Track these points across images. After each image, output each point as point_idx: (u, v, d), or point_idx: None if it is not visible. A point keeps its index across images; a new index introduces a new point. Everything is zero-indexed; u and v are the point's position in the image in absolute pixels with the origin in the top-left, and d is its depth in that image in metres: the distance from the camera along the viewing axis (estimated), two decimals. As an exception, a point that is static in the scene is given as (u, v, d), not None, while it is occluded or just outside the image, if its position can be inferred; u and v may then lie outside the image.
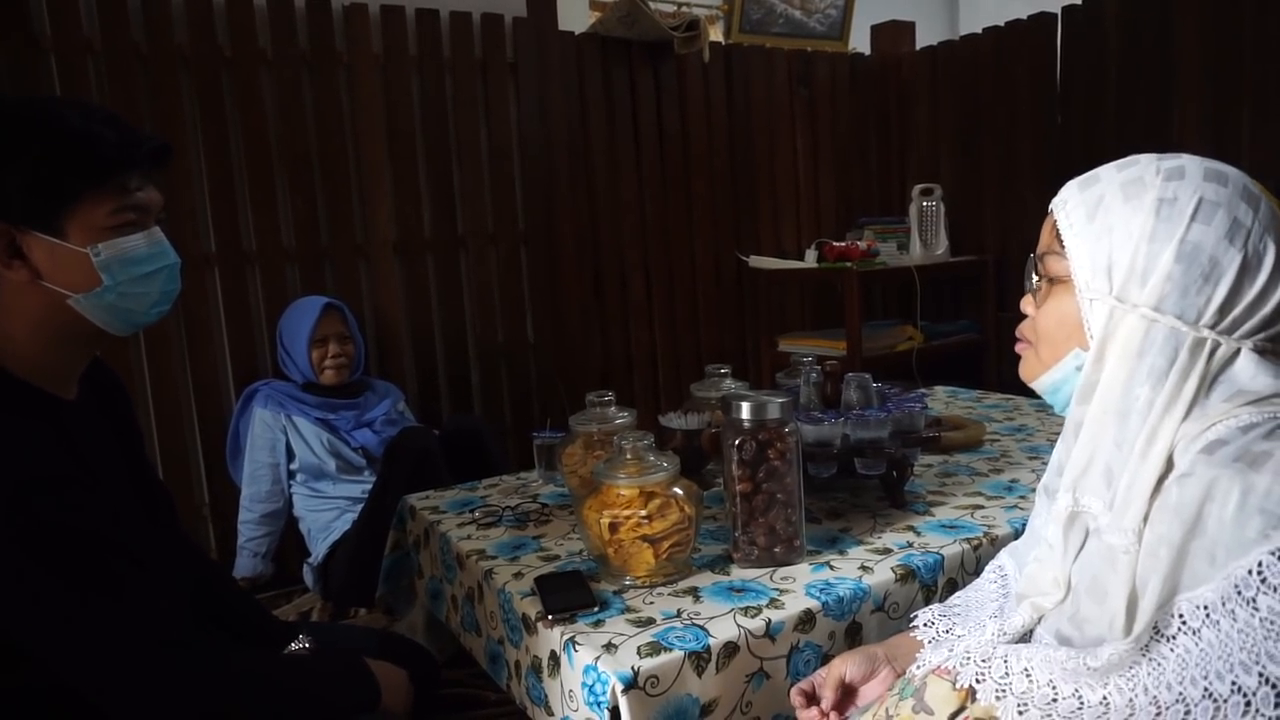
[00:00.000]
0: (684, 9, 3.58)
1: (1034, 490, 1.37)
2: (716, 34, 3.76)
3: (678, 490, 1.10)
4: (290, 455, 2.12)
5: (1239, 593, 0.59)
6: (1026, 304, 0.82)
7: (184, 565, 1.18)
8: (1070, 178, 0.77)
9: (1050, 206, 0.77)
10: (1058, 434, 0.79)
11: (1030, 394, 0.84)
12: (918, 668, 0.81)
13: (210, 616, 1.15)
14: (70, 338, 0.95)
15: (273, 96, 2.35)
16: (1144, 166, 0.72)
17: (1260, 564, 0.59)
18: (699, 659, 0.93)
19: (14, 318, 0.91)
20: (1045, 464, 0.92)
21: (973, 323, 3.26)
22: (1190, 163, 0.71)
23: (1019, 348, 0.84)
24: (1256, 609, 0.59)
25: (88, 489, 0.88)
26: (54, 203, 0.89)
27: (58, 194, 0.89)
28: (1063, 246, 0.75)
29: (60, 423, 0.93)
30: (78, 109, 0.92)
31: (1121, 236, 0.70)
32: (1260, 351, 0.69)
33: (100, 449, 1.00)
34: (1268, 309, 0.68)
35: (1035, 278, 0.81)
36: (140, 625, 0.86)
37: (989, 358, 3.23)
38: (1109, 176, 0.74)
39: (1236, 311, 0.68)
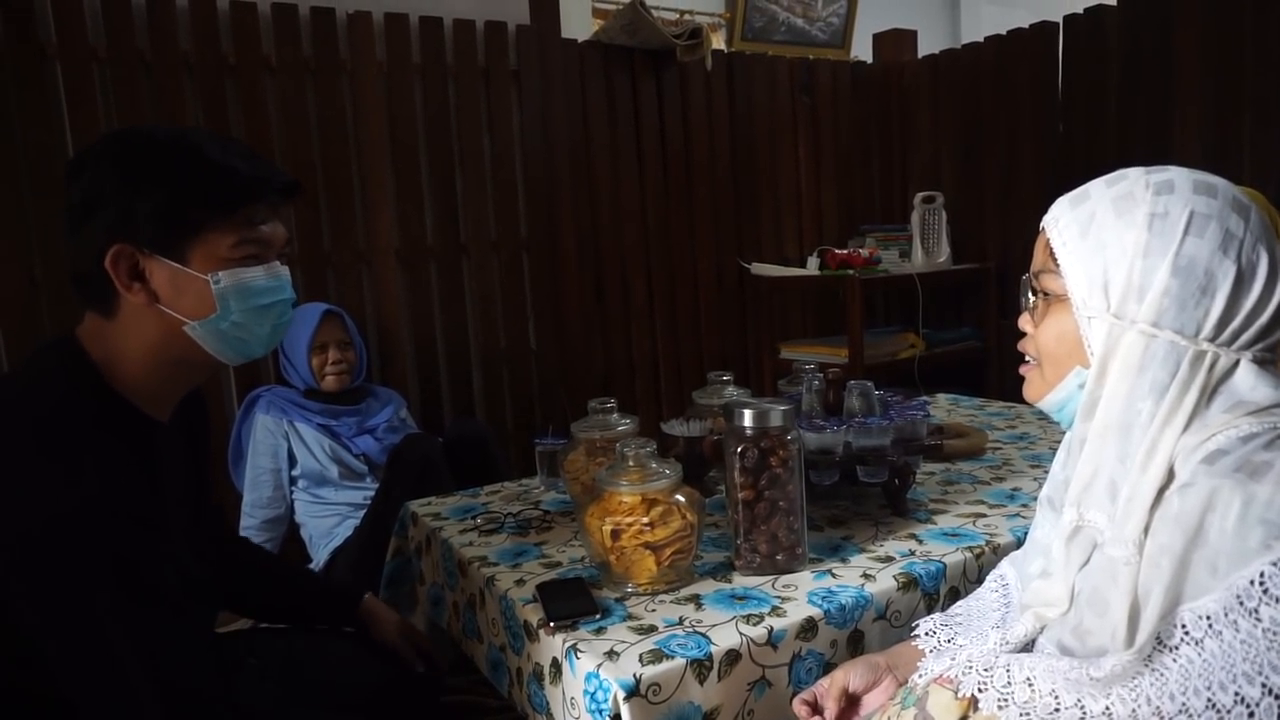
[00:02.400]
0: (686, 17, 3.59)
1: (1036, 499, 1.37)
2: (718, 42, 3.78)
3: (680, 497, 1.11)
4: (292, 461, 2.12)
5: (1241, 603, 0.59)
6: (1025, 322, 0.83)
7: (224, 582, 1.21)
8: (1072, 186, 0.78)
9: (1042, 224, 0.78)
10: (1059, 442, 0.79)
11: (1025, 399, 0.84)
12: (920, 677, 0.81)
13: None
14: (180, 363, 0.96)
15: (276, 104, 2.36)
16: (1133, 181, 0.72)
17: (1262, 574, 0.59)
18: (701, 667, 0.93)
19: (129, 339, 0.93)
20: (1047, 472, 0.92)
21: (974, 330, 3.26)
22: (1179, 175, 0.71)
23: (1023, 369, 0.84)
24: (1259, 619, 0.59)
25: (157, 526, 0.88)
26: (180, 230, 0.90)
27: (185, 222, 0.90)
28: (1057, 264, 0.75)
29: (150, 446, 0.94)
30: (216, 141, 0.94)
31: (1116, 253, 0.70)
32: (1259, 362, 0.69)
33: (177, 474, 1.02)
34: (1264, 318, 0.69)
35: (1031, 296, 0.81)
36: (157, 671, 0.85)
37: (991, 365, 3.23)
38: (1099, 193, 0.74)
39: (1235, 323, 0.68)
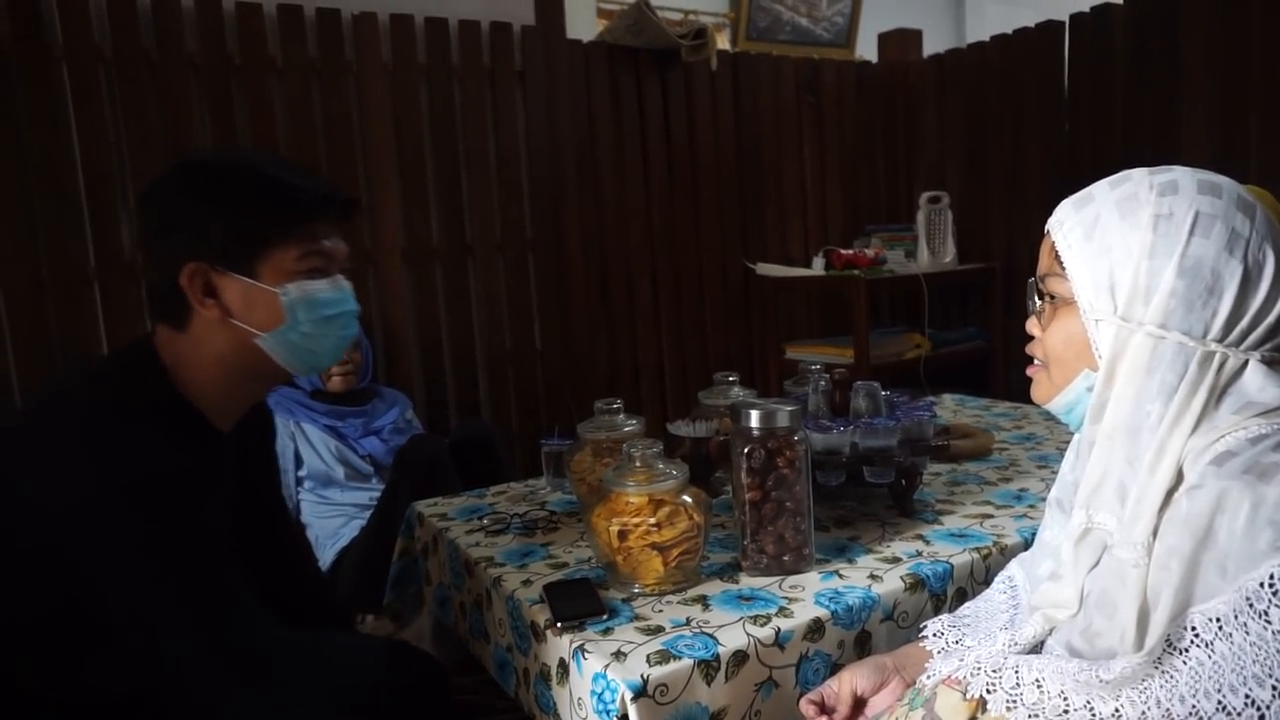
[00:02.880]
0: (691, 17, 3.59)
1: (1043, 499, 1.37)
2: (723, 42, 3.78)
3: (687, 498, 1.10)
4: (298, 462, 2.12)
5: (1250, 605, 0.59)
6: (1032, 325, 0.82)
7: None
8: (1078, 186, 0.77)
9: (1047, 227, 0.77)
10: (1066, 443, 0.79)
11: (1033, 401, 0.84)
12: (928, 678, 0.81)
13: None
14: (250, 375, 1.02)
15: (282, 104, 2.36)
16: (1137, 182, 0.72)
17: (1271, 576, 0.59)
18: (708, 667, 0.93)
19: (200, 350, 0.99)
20: (1054, 473, 0.92)
21: (980, 330, 3.25)
22: (1183, 175, 0.71)
23: (1030, 371, 0.84)
24: (1269, 622, 0.59)
25: (217, 532, 0.95)
26: (250, 246, 0.97)
27: (254, 238, 0.97)
28: (1063, 267, 0.75)
29: (210, 452, 1.00)
30: (280, 162, 1.03)
31: (1121, 255, 0.70)
32: (1268, 362, 0.69)
33: (230, 485, 1.08)
34: (1272, 318, 0.68)
35: (1038, 299, 0.81)
36: (233, 662, 0.90)
37: (997, 366, 3.22)
38: (1103, 195, 0.74)
39: (1243, 323, 0.68)
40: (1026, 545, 1.16)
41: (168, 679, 0.89)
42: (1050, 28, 2.96)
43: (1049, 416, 1.94)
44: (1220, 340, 0.68)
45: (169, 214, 0.97)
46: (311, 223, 1.00)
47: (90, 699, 0.95)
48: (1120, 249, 0.70)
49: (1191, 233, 0.68)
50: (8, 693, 0.92)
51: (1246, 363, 0.68)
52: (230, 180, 0.98)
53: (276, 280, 0.98)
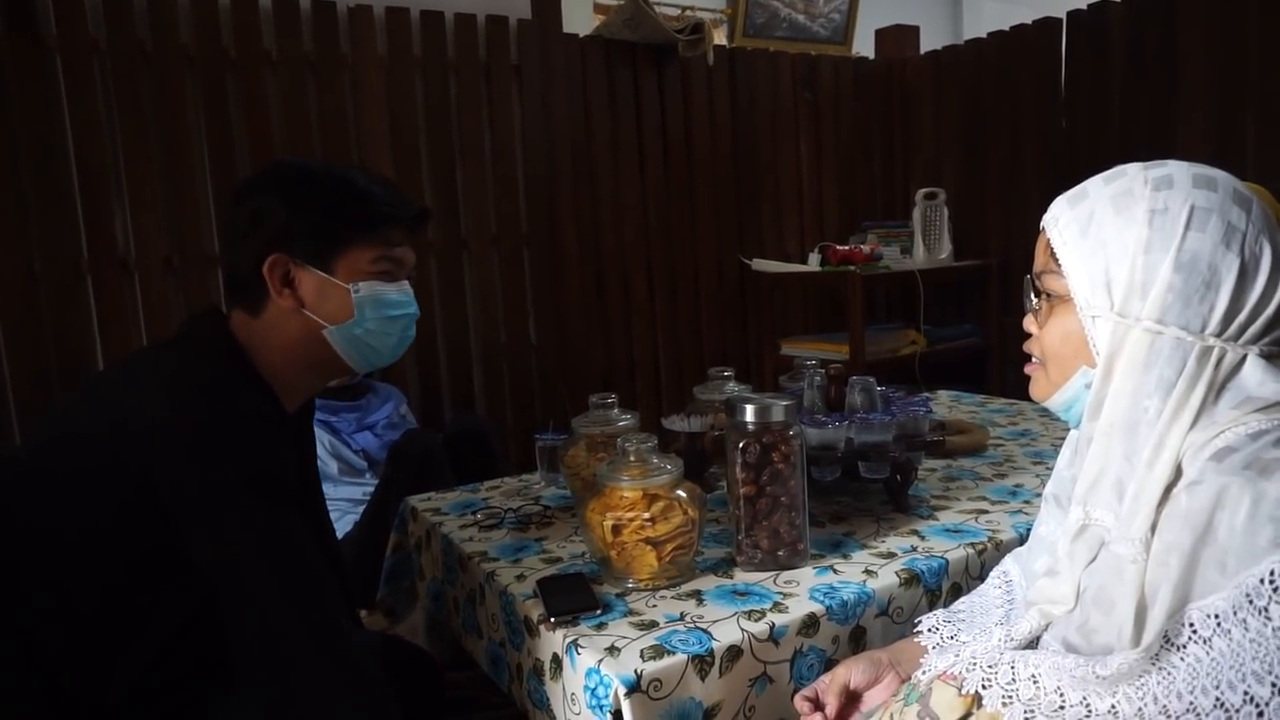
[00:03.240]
0: (688, 12, 3.57)
1: (1038, 495, 1.37)
2: (720, 38, 3.76)
3: (681, 493, 1.10)
4: (292, 456, 2.11)
5: (1250, 601, 0.59)
6: (1029, 323, 0.82)
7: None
8: (1075, 183, 0.77)
9: (1042, 224, 0.77)
10: (1062, 439, 0.79)
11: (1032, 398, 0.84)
12: (923, 673, 0.81)
13: None
14: (315, 364, 1.09)
15: (277, 98, 2.35)
16: (1132, 178, 0.72)
17: (1272, 573, 0.58)
18: (702, 662, 0.93)
19: (271, 336, 1.06)
20: (1049, 469, 0.92)
21: (976, 327, 3.26)
22: (1178, 170, 0.71)
23: (1028, 368, 0.83)
24: (1269, 618, 0.58)
25: (301, 502, 0.98)
26: (330, 244, 1.05)
27: (336, 238, 1.05)
28: (1058, 264, 0.74)
29: (287, 432, 1.05)
30: (362, 172, 1.11)
31: (1117, 250, 0.70)
32: (1267, 356, 0.69)
33: (300, 462, 1.12)
34: (1270, 311, 0.68)
35: (1034, 297, 0.80)
36: (323, 635, 0.90)
37: (992, 362, 3.22)
38: (1097, 190, 0.73)
39: (1241, 317, 0.68)
40: (1021, 541, 1.16)
41: (239, 626, 0.88)
42: (1048, 25, 2.96)
43: (1044, 413, 1.95)
44: (1218, 335, 0.68)
45: (259, 210, 1.04)
46: (386, 229, 1.08)
47: (159, 638, 0.95)
48: (1116, 244, 0.70)
49: (1187, 227, 0.68)
50: (78, 632, 0.92)
51: (1245, 357, 0.68)
52: (318, 183, 1.07)
53: (350, 278, 1.06)
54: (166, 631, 0.93)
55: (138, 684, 0.92)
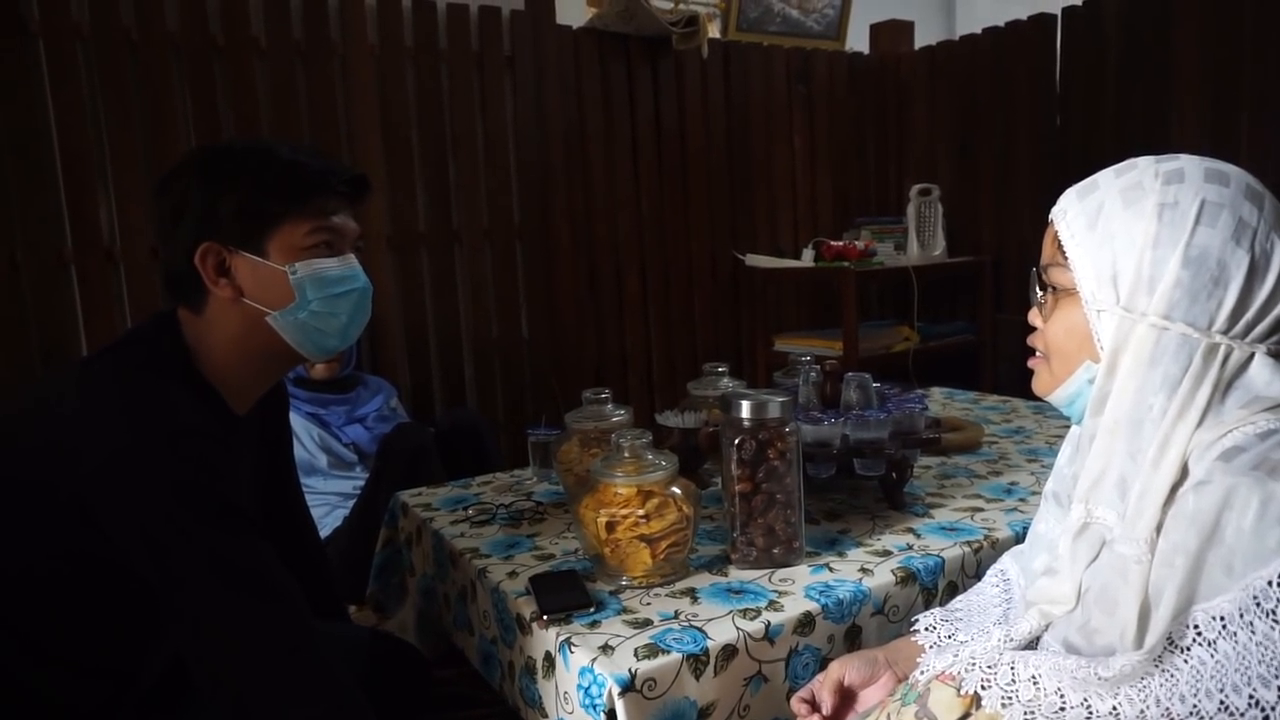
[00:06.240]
0: (682, 5, 3.55)
1: (1034, 493, 1.36)
2: (713, 32, 3.74)
3: (676, 490, 1.09)
4: (281, 450, 2.09)
5: (1258, 604, 0.58)
6: (1034, 317, 0.81)
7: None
8: (1069, 179, 0.76)
9: (1050, 216, 0.76)
10: (1057, 436, 0.78)
11: (1027, 396, 0.83)
12: (921, 673, 0.80)
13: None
14: (262, 355, 1.03)
15: (266, 87, 2.32)
16: (1143, 171, 0.71)
17: (1280, 575, 0.57)
18: (697, 661, 0.92)
19: (216, 332, 1.01)
20: (1045, 467, 0.91)
21: (969, 324, 3.25)
22: (1190, 164, 0.70)
23: (1032, 362, 0.82)
24: (1276, 621, 0.57)
25: (250, 510, 0.93)
26: (259, 224, 0.98)
27: (263, 216, 0.98)
28: (1065, 257, 0.73)
29: (231, 436, 1.00)
30: (286, 144, 1.04)
31: (1125, 244, 0.69)
32: (1275, 355, 0.68)
33: (246, 468, 1.09)
34: (1279, 309, 0.67)
35: (1040, 290, 0.79)
36: (279, 630, 0.88)
37: (985, 359, 3.22)
38: (1107, 183, 0.72)
39: (1249, 315, 0.67)
40: (1017, 539, 1.15)
41: (194, 641, 0.86)
42: (1042, 20, 2.96)
43: (1038, 410, 1.95)
44: (1225, 332, 0.67)
45: (181, 198, 0.98)
46: (318, 199, 1.01)
47: (118, 663, 0.94)
48: (1124, 238, 0.69)
49: (1197, 222, 0.67)
50: (38, 654, 0.91)
51: (1252, 355, 0.67)
52: (237, 160, 1.00)
53: (285, 258, 0.99)
54: (134, 642, 0.92)
55: (111, 693, 0.91)
